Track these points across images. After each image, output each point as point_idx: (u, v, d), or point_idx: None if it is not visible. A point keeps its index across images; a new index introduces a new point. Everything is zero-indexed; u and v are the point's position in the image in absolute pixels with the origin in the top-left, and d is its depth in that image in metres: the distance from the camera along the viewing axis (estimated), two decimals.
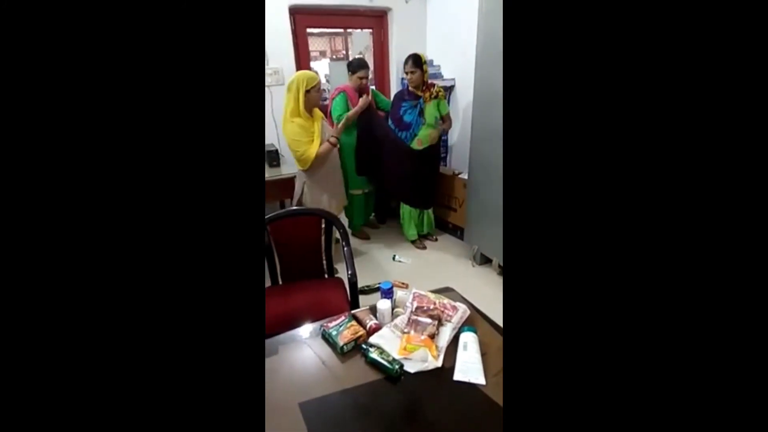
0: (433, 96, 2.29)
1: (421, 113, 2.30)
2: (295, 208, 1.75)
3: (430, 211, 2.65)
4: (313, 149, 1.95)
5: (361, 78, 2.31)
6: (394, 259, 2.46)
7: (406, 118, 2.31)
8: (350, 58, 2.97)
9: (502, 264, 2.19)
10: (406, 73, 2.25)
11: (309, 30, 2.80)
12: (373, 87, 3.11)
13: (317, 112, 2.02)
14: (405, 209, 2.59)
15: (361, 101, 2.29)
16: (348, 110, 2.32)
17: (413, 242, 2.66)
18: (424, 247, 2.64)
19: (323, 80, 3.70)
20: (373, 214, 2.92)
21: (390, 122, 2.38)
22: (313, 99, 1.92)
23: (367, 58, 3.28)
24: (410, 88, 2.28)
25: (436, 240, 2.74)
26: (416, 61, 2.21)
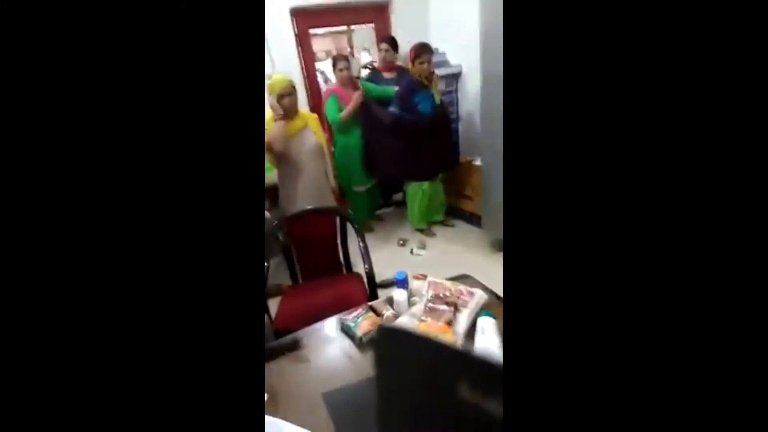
0: (436, 84, 2.33)
1: (433, 101, 2.32)
2: (309, 207, 1.77)
3: (440, 188, 2.60)
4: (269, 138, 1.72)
5: (341, 70, 2.32)
6: (412, 252, 2.46)
7: (423, 109, 2.30)
8: (354, 56, 2.98)
9: None
10: (420, 63, 2.20)
11: (312, 31, 2.82)
12: (362, 77, 3.12)
13: (302, 115, 1.87)
14: (411, 190, 2.54)
15: (354, 99, 2.30)
16: (340, 110, 2.33)
17: (422, 231, 2.65)
18: (434, 234, 2.63)
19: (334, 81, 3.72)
20: (379, 208, 2.95)
21: (396, 107, 2.31)
22: (285, 105, 1.73)
23: (373, 53, 3.29)
24: (419, 77, 2.25)
25: (453, 226, 2.73)
26: (431, 50, 2.23)
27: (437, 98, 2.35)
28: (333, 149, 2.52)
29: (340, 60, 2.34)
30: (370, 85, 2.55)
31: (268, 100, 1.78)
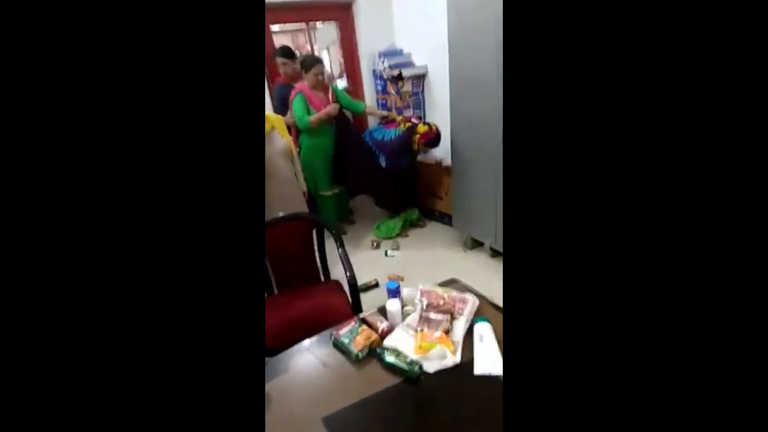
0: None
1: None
2: (282, 214, 1.69)
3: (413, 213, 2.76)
4: None
5: (316, 74, 2.24)
6: (386, 254, 2.44)
7: (403, 164, 2.54)
8: (315, 53, 2.89)
9: (493, 246, 2.21)
10: (424, 146, 2.46)
11: (273, 27, 2.69)
12: (342, 81, 3.05)
13: (268, 117, 1.81)
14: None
15: (328, 109, 2.24)
16: (308, 110, 2.27)
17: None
18: (406, 235, 2.67)
19: None
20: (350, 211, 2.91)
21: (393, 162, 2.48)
22: None
23: (334, 52, 3.20)
24: (416, 147, 2.46)
25: (425, 226, 2.75)
26: (439, 142, 2.48)
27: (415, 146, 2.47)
28: (299, 150, 2.43)
29: (317, 64, 2.24)
30: (343, 95, 2.51)
31: None
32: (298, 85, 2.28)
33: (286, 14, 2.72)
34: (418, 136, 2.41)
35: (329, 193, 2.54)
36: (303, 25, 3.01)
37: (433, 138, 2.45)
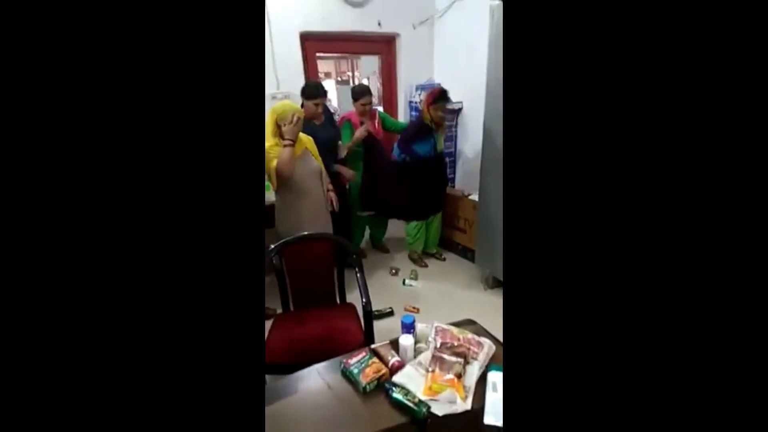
0: (444, 131, 2.38)
1: (433, 147, 2.35)
2: (306, 233, 1.72)
3: (438, 225, 2.65)
4: (274, 162, 1.72)
5: (363, 105, 2.33)
6: (404, 283, 2.42)
7: (421, 153, 2.34)
8: (356, 81, 3.01)
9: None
10: (435, 110, 2.24)
11: (318, 54, 2.85)
12: (380, 108, 3.15)
13: (301, 138, 1.84)
14: (410, 225, 2.58)
15: (358, 132, 2.30)
16: None
17: (414, 260, 2.64)
18: (426, 265, 2.62)
19: (334, 103, 3.72)
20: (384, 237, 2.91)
21: (398, 149, 2.40)
22: (288, 132, 1.71)
23: (374, 82, 3.34)
24: (429, 122, 2.29)
25: (444, 260, 2.71)
26: (447, 96, 2.26)
27: (440, 145, 2.38)
28: None
29: (365, 95, 2.33)
30: (389, 118, 2.60)
31: (279, 126, 1.75)
32: (347, 114, 2.42)
33: (333, 45, 2.88)
34: (424, 108, 2.27)
35: (365, 214, 2.58)
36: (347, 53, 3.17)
37: (437, 94, 2.23)
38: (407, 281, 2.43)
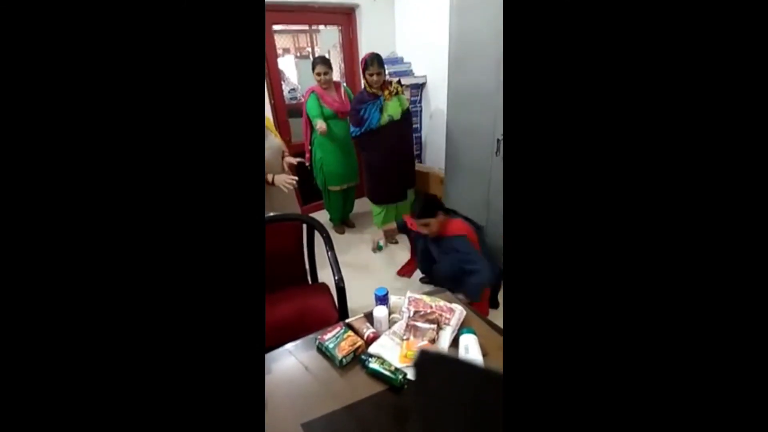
0: (393, 93, 2.26)
1: (380, 110, 2.24)
2: (273, 214, 1.67)
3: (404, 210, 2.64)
4: None
5: (318, 74, 2.30)
6: (380, 248, 2.37)
7: (364, 115, 2.24)
8: (317, 54, 2.90)
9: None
10: (370, 75, 2.15)
11: (274, 27, 2.69)
12: (345, 84, 3.07)
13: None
14: (375, 209, 2.56)
15: (319, 129, 2.27)
16: (321, 110, 2.33)
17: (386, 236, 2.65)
18: (396, 242, 2.63)
19: (293, 80, 3.58)
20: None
21: (350, 126, 2.34)
22: None
23: (335, 56, 3.22)
24: (369, 90, 2.21)
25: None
26: (381, 62, 2.17)
27: (391, 110, 2.25)
28: (311, 147, 2.50)
29: (318, 64, 2.30)
30: (350, 91, 2.55)
31: None
32: (311, 87, 2.36)
33: (290, 15, 2.72)
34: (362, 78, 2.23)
35: (338, 188, 2.55)
36: (305, 26, 3.01)
37: (367, 60, 2.16)
38: (380, 243, 2.40)
